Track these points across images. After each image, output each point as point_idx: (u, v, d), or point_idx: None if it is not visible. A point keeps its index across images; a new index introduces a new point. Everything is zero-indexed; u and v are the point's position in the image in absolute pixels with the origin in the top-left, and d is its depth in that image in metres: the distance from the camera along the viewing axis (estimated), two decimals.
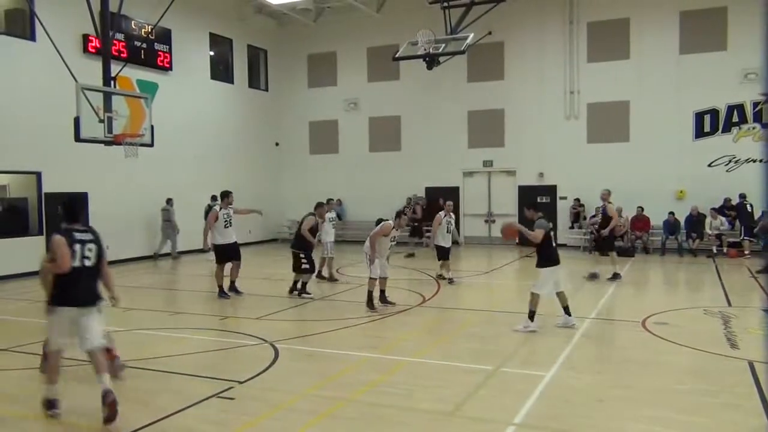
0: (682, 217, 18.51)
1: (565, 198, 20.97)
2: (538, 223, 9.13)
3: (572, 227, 20.62)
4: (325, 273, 14.03)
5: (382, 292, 10.88)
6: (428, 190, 22.77)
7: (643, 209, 18.85)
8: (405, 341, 8.69)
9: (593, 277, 13.39)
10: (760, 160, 18.12)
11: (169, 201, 18.85)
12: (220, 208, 12.04)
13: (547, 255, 9.06)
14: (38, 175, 15.92)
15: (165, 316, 10.55)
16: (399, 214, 10.86)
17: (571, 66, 20.65)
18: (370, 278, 10.60)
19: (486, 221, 22.21)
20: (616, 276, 13.32)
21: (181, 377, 7.07)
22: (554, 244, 9.17)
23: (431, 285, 13.18)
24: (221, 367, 7.54)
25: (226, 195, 12.24)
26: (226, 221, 12.01)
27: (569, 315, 9.14)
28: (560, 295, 9.14)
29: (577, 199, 20.58)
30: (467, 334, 9.16)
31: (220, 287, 12.05)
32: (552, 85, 20.90)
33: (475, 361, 7.48)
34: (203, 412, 5.94)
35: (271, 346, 8.25)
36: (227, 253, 12.07)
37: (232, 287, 12.30)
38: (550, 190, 21.17)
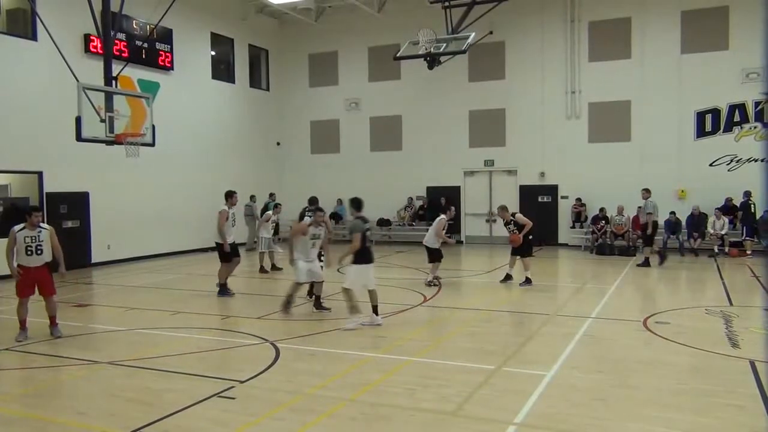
0: (683, 217, 18.49)
1: (566, 197, 20.96)
2: (353, 227, 9.35)
3: (573, 227, 20.61)
4: (266, 267, 15.54)
5: (317, 297, 10.51)
6: (429, 189, 22.78)
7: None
8: (406, 341, 8.68)
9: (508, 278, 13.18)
10: (762, 160, 18.11)
11: (252, 198, 20.49)
12: (228, 208, 12.08)
13: (360, 253, 9.23)
14: (39, 174, 15.92)
15: (166, 315, 10.54)
16: (316, 210, 10.40)
17: (572, 65, 20.63)
18: (295, 282, 10.24)
19: (487, 221, 22.20)
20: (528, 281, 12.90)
21: (182, 377, 7.07)
22: (367, 244, 9.39)
23: (432, 285, 13.15)
24: (222, 367, 7.54)
25: (231, 195, 12.23)
26: (232, 220, 12.16)
27: (377, 315, 9.37)
28: (371, 294, 9.41)
29: (579, 199, 20.56)
30: (468, 334, 9.15)
31: (223, 285, 12.15)
32: (553, 84, 20.89)
33: (476, 361, 7.47)
34: (205, 412, 5.93)
35: (272, 346, 8.25)
36: (232, 252, 12.15)
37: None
38: (552, 190, 21.16)
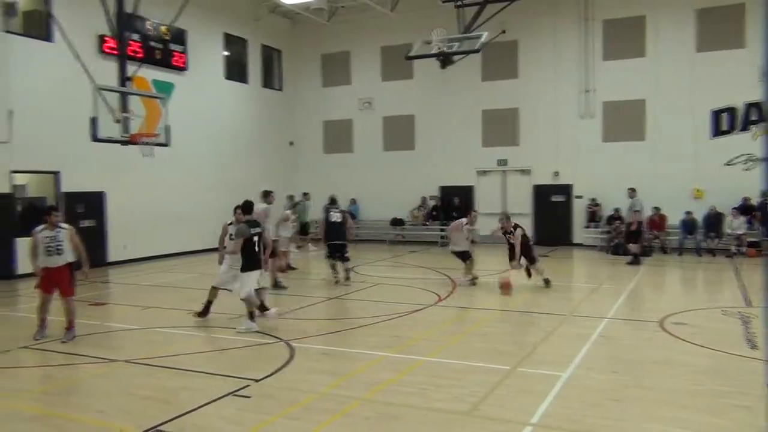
0: (699, 217, 18.33)
1: (580, 197, 20.85)
2: (237, 231, 9.17)
3: (588, 227, 20.49)
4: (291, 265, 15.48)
5: (262, 303, 9.59)
6: (442, 189, 22.75)
7: (659, 209, 18.69)
8: (420, 340, 8.68)
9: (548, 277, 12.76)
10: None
11: (290, 197, 20.88)
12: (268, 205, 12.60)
13: (247, 259, 9.11)
14: (56, 174, 16.09)
15: (182, 314, 10.59)
16: (235, 209, 9.87)
17: (586, 64, 20.51)
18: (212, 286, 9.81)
19: (500, 220, 22.06)
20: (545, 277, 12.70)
21: (198, 375, 7.12)
22: (257, 248, 9.21)
23: (446, 284, 13.15)
24: (238, 366, 7.57)
25: (268, 194, 12.73)
26: (284, 218, 13.34)
27: (253, 320, 9.17)
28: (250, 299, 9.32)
29: (593, 199, 20.45)
30: (483, 334, 9.14)
31: (276, 278, 12.79)
32: (567, 83, 20.78)
33: (491, 361, 7.45)
34: (220, 410, 5.97)
35: (287, 345, 8.28)
36: (276, 249, 12.69)
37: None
38: (566, 190, 21.05)
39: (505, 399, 6.19)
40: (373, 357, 7.73)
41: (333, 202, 14.08)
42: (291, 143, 25.11)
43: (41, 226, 8.74)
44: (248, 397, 6.30)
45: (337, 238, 13.29)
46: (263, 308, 9.43)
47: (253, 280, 9.15)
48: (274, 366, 7.30)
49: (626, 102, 20.12)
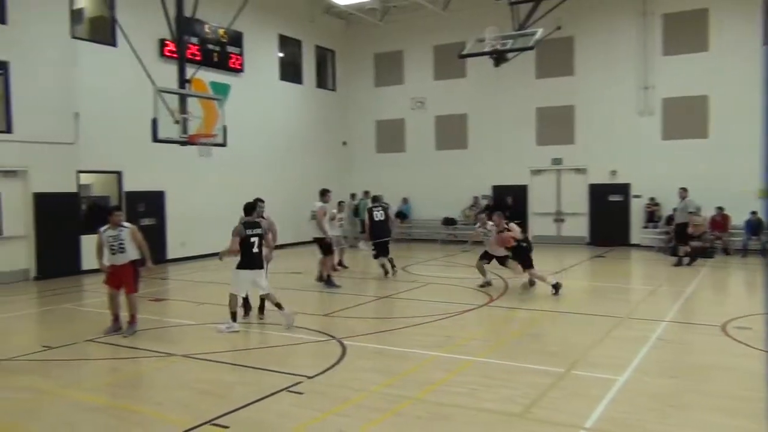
0: (765, 217, 17.56)
1: (639, 196, 20.29)
2: (234, 229, 9.27)
3: (646, 227, 19.93)
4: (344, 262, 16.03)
5: (277, 305, 9.43)
6: (495, 188, 22.52)
7: (723, 209, 18.02)
8: (471, 340, 8.63)
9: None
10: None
11: (352, 196, 21.98)
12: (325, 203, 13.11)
13: (243, 258, 9.23)
14: (119, 174, 16.70)
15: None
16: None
17: (645, 60, 19.95)
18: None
19: (555, 220, 21.76)
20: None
21: (252, 371, 7.27)
22: (255, 249, 9.25)
23: (498, 285, 13.01)
24: (290, 362, 7.70)
25: (325, 192, 13.27)
26: (330, 217, 13.67)
27: (282, 309, 9.28)
28: (268, 297, 9.48)
29: (652, 198, 19.88)
30: (536, 335, 9.01)
31: (329, 276, 13.01)
32: (625, 79, 20.25)
33: (544, 363, 7.34)
34: (273, 405, 6.08)
35: (339, 343, 8.36)
36: (332, 246, 13.20)
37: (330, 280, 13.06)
38: (623, 189, 20.52)
39: (558, 402, 6.09)
40: (425, 356, 7.72)
41: (375, 200, 14.96)
42: (344, 143, 25.32)
43: (105, 226, 9.09)
44: (301, 393, 6.40)
45: (381, 236, 14.11)
46: (280, 307, 9.44)
47: (242, 278, 9.30)
48: (327, 363, 7.38)
49: (687, 98, 19.47)
